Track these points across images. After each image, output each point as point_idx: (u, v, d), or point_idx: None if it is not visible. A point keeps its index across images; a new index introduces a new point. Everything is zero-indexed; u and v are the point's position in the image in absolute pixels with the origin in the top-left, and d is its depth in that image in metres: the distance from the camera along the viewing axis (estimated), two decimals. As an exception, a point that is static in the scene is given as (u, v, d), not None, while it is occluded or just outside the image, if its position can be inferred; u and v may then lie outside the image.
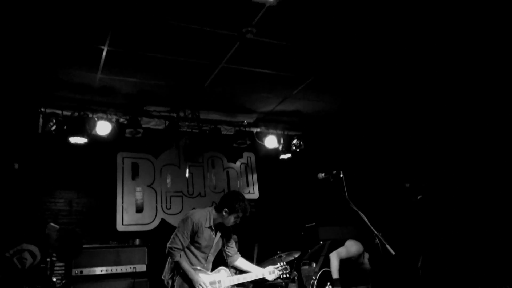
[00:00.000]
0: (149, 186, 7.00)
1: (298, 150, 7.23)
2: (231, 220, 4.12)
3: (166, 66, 5.20)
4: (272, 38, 4.69)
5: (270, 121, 7.32)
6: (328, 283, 4.68)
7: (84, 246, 5.49)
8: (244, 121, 7.03)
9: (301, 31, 4.60)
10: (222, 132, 6.91)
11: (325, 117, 7.31)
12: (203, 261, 4.14)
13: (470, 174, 5.58)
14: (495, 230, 5.14)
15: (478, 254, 5.17)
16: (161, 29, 4.38)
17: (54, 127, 5.63)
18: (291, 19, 4.32)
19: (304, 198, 7.84)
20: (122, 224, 6.58)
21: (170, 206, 7.04)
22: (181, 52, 4.90)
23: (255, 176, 8.02)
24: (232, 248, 4.41)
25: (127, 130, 6.06)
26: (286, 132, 7.41)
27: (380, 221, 3.93)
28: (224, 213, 4.10)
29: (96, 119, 5.94)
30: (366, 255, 5.06)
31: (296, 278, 5.03)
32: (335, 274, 4.75)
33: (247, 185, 7.89)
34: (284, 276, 4.34)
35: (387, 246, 3.13)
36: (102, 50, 4.71)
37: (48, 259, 5.28)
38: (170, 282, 4.06)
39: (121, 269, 5.63)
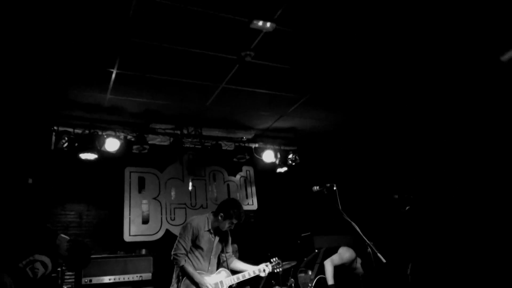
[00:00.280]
0: (154, 198, 6.99)
1: (294, 164, 7.24)
2: (225, 225, 4.19)
3: (171, 87, 5.24)
4: (269, 61, 4.74)
5: (268, 137, 7.34)
6: None
7: (93, 256, 5.47)
8: (243, 137, 7.05)
9: (296, 54, 4.65)
10: (223, 148, 6.92)
11: (318, 133, 7.34)
12: (206, 264, 4.16)
13: (454, 186, 5.60)
14: (480, 237, 5.13)
15: (464, 260, 5.16)
16: (166, 53, 4.42)
17: (66, 144, 5.65)
18: (286, 43, 4.37)
19: (300, 209, 7.82)
20: (129, 234, 6.55)
21: (174, 217, 7.01)
22: (185, 74, 4.94)
23: (254, 189, 8.01)
24: (228, 253, 4.45)
25: (134, 147, 6.07)
26: (282, 147, 7.44)
27: (372, 231, 3.94)
28: (220, 218, 4.18)
29: (105, 136, 5.95)
30: (359, 260, 5.04)
31: (293, 285, 4.99)
32: (330, 281, 4.73)
33: (247, 197, 7.88)
34: (277, 270, 4.48)
35: (379, 254, 3.13)
36: (112, 73, 4.75)
37: (58, 269, 5.25)
38: (176, 286, 4.05)
39: (128, 278, 5.59)
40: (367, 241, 3.28)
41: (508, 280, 4.72)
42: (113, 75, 4.81)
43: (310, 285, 4.80)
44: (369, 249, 3.28)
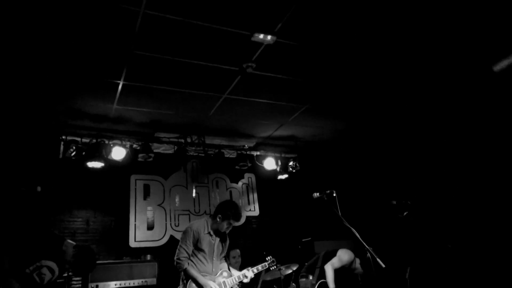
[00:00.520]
0: (159, 205, 6.98)
1: (294, 171, 7.25)
2: (224, 226, 4.25)
3: (175, 98, 5.27)
4: (270, 72, 4.77)
5: (269, 145, 7.36)
6: None
7: (100, 262, 5.47)
8: (245, 145, 7.06)
9: (296, 66, 4.68)
10: (225, 156, 6.94)
11: (318, 141, 7.36)
12: (210, 265, 4.19)
13: (451, 191, 5.60)
14: (478, 241, 5.12)
15: (462, 264, 5.14)
16: (170, 65, 4.46)
17: (73, 153, 5.66)
18: (286, 55, 4.40)
19: (301, 215, 7.81)
20: (135, 240, 6.53)
21: (178, 223, 7.00)
22: (189, 85, 4.97)
23: (255, 195, 8.00)
24: (235, 258, 4.51)
25: (140, 155, 6.09)
26: (283, 155, 7.46)
27: (371, 236, 3.93)
28: (218, 219, 4.24)
29: (111, 145, 5.97)
30: (358, 261, 5.02)
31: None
32: (331, 284, 4.71)
33: (248, 204, 7.87)
34: (273, 268, 4.73)
35: (378, 259, 3.12)
36: (118, 84, 4.79)
37: (65, 275, 5.23)
38: None
39: (134, 283, 5.57)
40: (366, 246, 3.28)
41: (507, 283, 4.70)
42: (120, 86, 4.84)
43: (311, 289, 4.79)
44: (368, 254, 3.27)
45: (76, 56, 4.14)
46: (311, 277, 4.95)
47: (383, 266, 3.10)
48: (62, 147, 5.76)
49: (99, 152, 5.78)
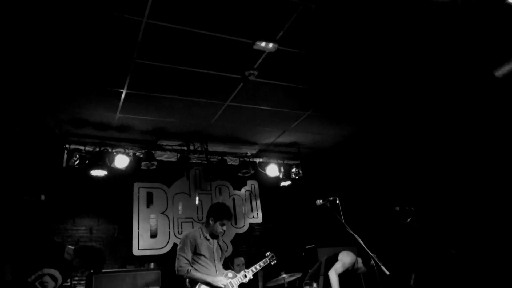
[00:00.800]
0: (162, 213, 6.98)
1: (297, 177, 7.24)
2: (218, 227, 4.29)
3: (178, 105, 5.29)
4: (272, 79, 4.79)
5: (271, 152, 7.35)
6: None
7: (103, 270, 5.45)
8: (247, 152, 7.06)
9: (297, 73, 4.70)
10: (228, 163, 6.94)
11: (320, 148, 7.36)
12: (213, 269, 4.22)
13: (454, 197, 5.57)
14: (482, 246, 5.09)
15: (466, 270, 5.10)
16: (173, 74, 4.48)
17: (77, 162, 5.68)
18: (288, 62, 4.42)
19: (304, 222, 7.79)
20: (138, 248, 6.52)
21: (182, 231, 6.99)
22: (191, 93, 5.00)
23: (258, 202, 7.99)
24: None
25: (143, 163, 6.09)
26: (286, 162, 7.44)
27: (374, 243, 3.91)
28: (211, 222, 4.31)
29: (115, 153, 5.98)
30: (359, 260, 4.96)
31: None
32: None
33: (252, 210, 7.86)
34: (274, 263, 4.86)
35: (382, 266, 3.10)
36: (121, 92, 4.81)
37: (69, 283, 5.22)
38: None
39: (137, 291, 5.55)
40: (370, 253, 3.26)
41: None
42: (123, 95, 4.87)
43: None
44: (372, 262, 3.25)
45: (80, 66, 4.17)
46: (315, 285, 4.91)
47: (388, 273, 3.08)
48: (65, 155, 5.77)
49: (102, 161, 5.80)
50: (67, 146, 5.84)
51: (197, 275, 4.02)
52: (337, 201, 3.68)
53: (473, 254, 5.07)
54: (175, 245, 6.82)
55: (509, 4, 3.25)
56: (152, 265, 6.07)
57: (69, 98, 4.87)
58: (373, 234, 4.58)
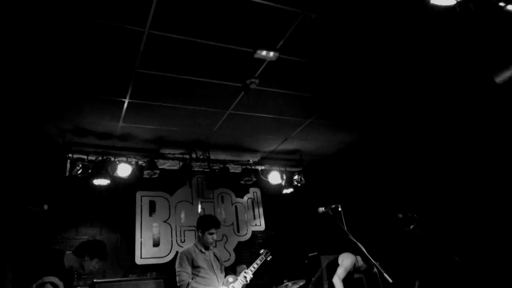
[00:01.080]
0: (165, 221, 6.97)
1: (299, 185, 7.24)
2: (208, 237, 4.36)
3: (180, 114, 5.32)
4: (273, 87, 4.82)
5: (273, 159, 7.36)
6: None
7: (106, 280, 5.46)
8: (249, 160, 7.07)
9: (299, 80, 4.73)
10: (230, 171, 6.95)
11: (322, 155, 7.37)
12: (214, 278, 4.30)
13: (457, 204, 5.56)
14: (486, 253, 5.06)
15: (469, 277, 5.06)
16: (175, 83, 4.52)
17: (80, 171, 5.70)
18: (289, 70, 4.45)
19: (307, 229, 7.76)
20: (141, 257, 6.50)
21: (184, 239, 6.97)
22: (193, 101, 5.03)
23: (261, 210, 7.97)
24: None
25: (145, 172, 6.12)
26: (288, 169, 7.45)
27: (377, 250, 3.90)
28: (200, 234, 4.38)
29: (117, 162, 6.01)
30: (359, 258, 4.92)
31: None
32: None
33: (254, 218, 7.84)
34: (269, 258, 4.95)
35: (385, 274, 3.09)
36: (124, 102, 4.85)
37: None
38: None
39: (140, 301, 5.53)
40: (373, 261, 3.25)
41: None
42: (125, 104, 4.91)
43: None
44: (375, 269, 3.24)
45: (83, 76, 4.21)
46: (319, 292, 4.89)
47: (391, 281, 3.06)
48: (68, 165, 5.80)
49: (105, 170, 5.82)
50: (70, 155, 5.87)
51: (198, 286, 4.05)
52: (339, 209, 3.68)
53: (477, 261, 5.04)
54: (177, 253, 6.79)
55: (507, 12, 3.27)
56: (154, 274, 6.06)
57: (72, 108, 4.91)
58: (375, 242, 4.56)
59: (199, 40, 3.79)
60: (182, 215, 7.14)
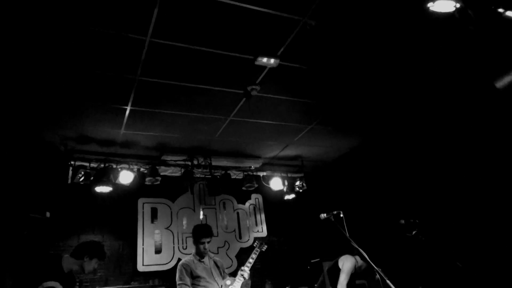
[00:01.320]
0: (166, 228, 6.97)
1: (301, 191, 7.22)
2: (200, 247, 4.46)
3: (181, 121, 5.34)
4: (274, 93, 4.84)
5: (275, 165, 7.36)
6: None
7: (109, 287, 5.45)
8: (251, 166, 7.07)
9: (300, 87, 4.75)
10: (232, 177, 6.95)
11: (324, 161, 7.37)
12: (215, 284, 4.34)
13: (459, 210, 5.54)
14: (488, 259, 5.03)
15: (472, 283, 5.04)
16: (176, 90, 4.54)
17: (82, 178, 5.71)
18: (290, 77, 4.47)
19: (309, 235, 7.74)
20: (143, 264, 6.49)
21: (186, 246, 6.96)
22: (195, 108, 5.05)
23: (263, 216, 7.96)
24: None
25: (147, 179, 6.12)
26: (289, 175, 7.44)
27: (380, 256, 3.88)
28: (195, 245, 4.50)
29: (119, 169, 6.01)
30: (357, 258, 4.89)
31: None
32: None
33: (256, 224, 7.82)
34: (264, 249, 5.05)
35: (387, 280, 3.07)
36: (126, 109, 4.87)
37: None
38: None
39: (142, 308, 5.52)
40: (376, 268, 3.23)
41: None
42: (127, 112, 4.93)
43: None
44: (377, 276, 3.23)
45: (85, 84, 4.24)
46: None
47: (393, 287, 3.05)
48: (70, 172, 5.81)
49: (107, 177, 5.82)
50: (72, 162, 5.88)
51: None
52: (341, 215, 3.67)
53: (480, 267, 5.01)
54: (179, 260, 6.76)
55: (507, 18, 3.28)
56: (156, 281, 6.05)
57: (74, 115, 4.94)
58: (378, 248, 4.55)
59: (200, 48, 3.81)
60: (184, 222, 7.13)
